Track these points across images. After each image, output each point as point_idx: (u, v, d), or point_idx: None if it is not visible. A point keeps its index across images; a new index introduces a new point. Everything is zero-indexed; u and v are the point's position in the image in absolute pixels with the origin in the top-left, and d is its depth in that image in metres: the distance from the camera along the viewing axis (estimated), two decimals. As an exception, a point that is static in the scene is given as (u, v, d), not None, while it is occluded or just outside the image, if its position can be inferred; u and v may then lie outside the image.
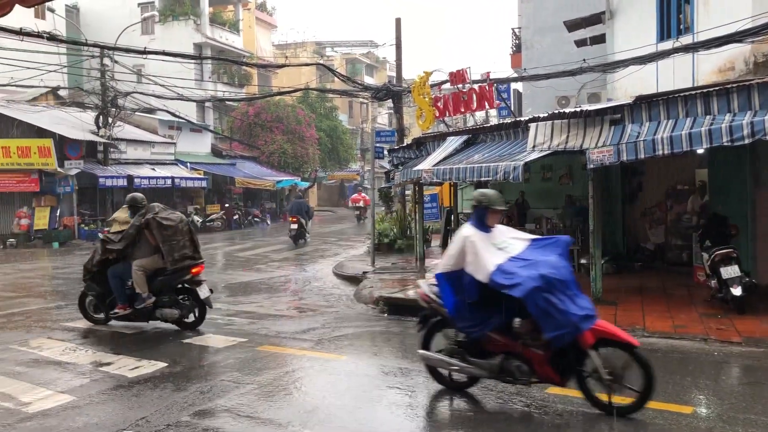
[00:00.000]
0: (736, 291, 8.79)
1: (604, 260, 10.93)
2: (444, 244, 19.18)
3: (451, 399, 5.92)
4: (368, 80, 49.25)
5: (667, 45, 13.17)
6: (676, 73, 13.24)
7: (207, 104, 36.15)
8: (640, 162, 10.01)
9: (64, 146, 24.93)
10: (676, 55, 12.52)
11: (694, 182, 12.86)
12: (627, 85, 14.93)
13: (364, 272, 14.08)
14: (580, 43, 19.36)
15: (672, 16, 13.97)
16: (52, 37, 16.44)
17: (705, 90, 8.34)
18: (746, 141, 7.62)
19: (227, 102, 36.44)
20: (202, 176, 31.14)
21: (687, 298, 10.25)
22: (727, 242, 9.40)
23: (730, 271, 8.89)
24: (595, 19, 17.92)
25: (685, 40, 12.88)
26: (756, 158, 10.68)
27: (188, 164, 31.46)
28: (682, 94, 8.51)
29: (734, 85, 8.17)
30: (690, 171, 12.96)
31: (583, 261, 12.61)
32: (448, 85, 16.15)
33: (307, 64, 32.11)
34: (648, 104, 8.76)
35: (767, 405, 5.52)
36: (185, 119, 31.51)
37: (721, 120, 7.88)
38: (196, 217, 30.26)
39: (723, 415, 5.34)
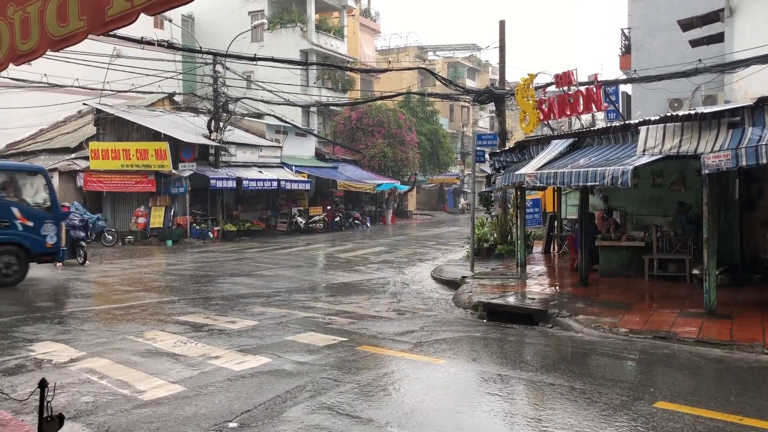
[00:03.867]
0: None
1: (718, 271, 10.33)
2: (546, 251, 18.78)
3: (553, 409, 5.77)
4: (470, 83, 49.03)
5: (794, 43, 12.33)
6: (803, 73, 12.37)
7: (312, 109, 37.13)
8: (760, 168, 9.41)
9: (179, 149, 26.28)
10: (803, 53, 11.70)
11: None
12: (747, 87, 14.08)
13: (463, 277, 13.99)
14: (695, 43, 18.43)
15: (800, 12, 13.06)
16: (169, 45, 17.44)
17: (837, 90, 7.74)
18: None
19: (331, 107, 37.28)
20: (306, 179, 32.00)
21: (813, 314, 9.52)
22: None
23: None
24: (713, 17, 17.00)
25: (815, 37, 12.01)
26: None
27: (293, 167, 32.43)
28: (810, 95, 7.93)
29: None
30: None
31: (695, 272, 12.00)
32: (553, 88, 15.82)
33: (409, 68, 32.30)
34: (771, 106, 8.23)
35: None
36: (291, 124, 32.52)
37: None
38: (299, 218, 31.14)
39: None
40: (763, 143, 7.97)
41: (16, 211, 13.85)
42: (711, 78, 16.23)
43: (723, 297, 10.03)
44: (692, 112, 9.00)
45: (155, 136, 26.14)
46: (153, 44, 15.84)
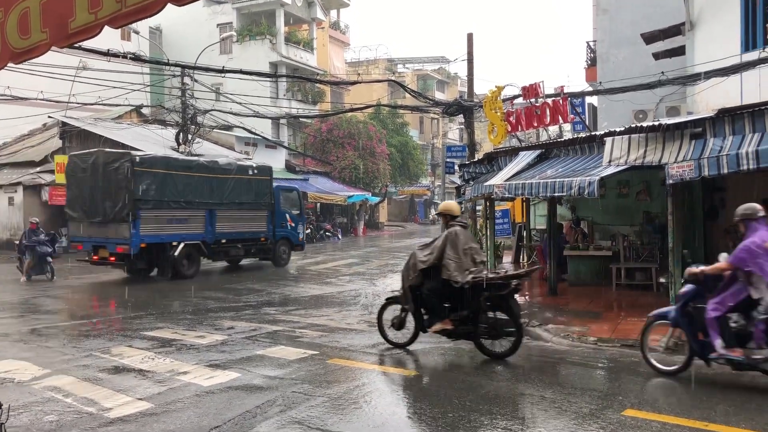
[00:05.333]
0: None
1: (684, 279, 10.50)
2: (516, 260, 18.92)
3: (524, 419, 5.80)
4: (439, 96, 49.37)
5: (753, 55, 12.65)
6: (762, 85, 12.68)
7: (282, 121, 37.03)
8: (722, 177, 9.62)
9: (147, 162, 25.89)
10: (762, 65, 12.00)
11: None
12: (708, 99, 14.39)
13: (434, 288, 13.98)
14: (658, 56, 18.81)
15: (758, 25, 13.41)
16: (136, 58, 17.23)
17: (794, 102, 7.95)
18: (841, 155, 7.22)
19: (301, 119, 37.24)
20: (276, 191, 31.81)
21: (775, 320, 9.72)
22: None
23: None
24: (675, 30, 17.38)
25: (772, 50, 12.35)
26: None
27: (263, 179, 32.19)
28: (769, 107, 8.14)
29: (826, 96, 7.77)
30: (777, 187, 12.34)
31: (662, 280, 12.19)
32: (520, 100, 16.03)
33: (378, 81, 32.46)
34: (731, 117, 8.43)
35: None
36: (261, 136, 32.34)
37: (812, 133, 7.48)
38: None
39: (816, 445, 5.03)
40: (724, 153, 8.16)
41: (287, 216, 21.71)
42: (674, 90, 16.56)
43: (688, 305, 10.18)
44: (656, 123, 9.16)
45: (123, 148, 25.70)
46: (119, 56, 15.66)
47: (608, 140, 9.69)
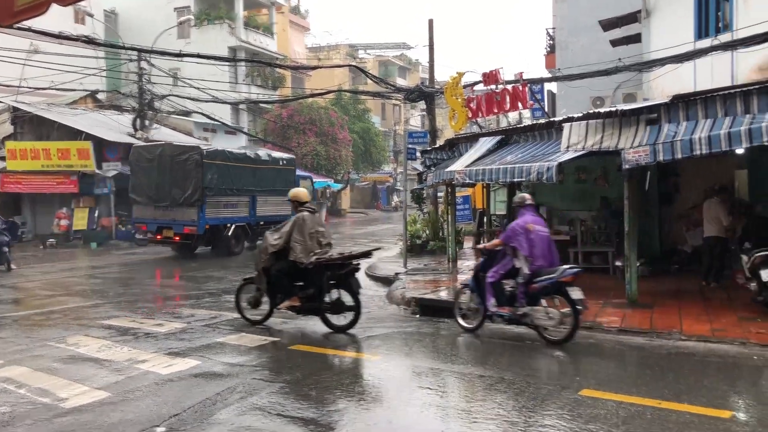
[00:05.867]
0: (777, 294, 8.57)
1: (639, 263, 10.73)
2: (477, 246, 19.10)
3: (483, 401, 5.87)
4: (401, 82, 49.32)
5: (706, 43, 12.93)
6: (714, 72, 12.98)
7: (241, 107, 36.52)
8: (677, 163, 9.83)
9: (103, 149, 25.43)
10: (714, 53, 12.27)
11: (733, 183, 12.58)
12: (664, 85, 14.69)
13: (396, 273, 14.07)
14: (615, 43, 19.10)
15: (710, 14, 13.71)
16: (90, 41, 16.81)
17: (745, 89, 8.15)
18: (788, 140, 7.44)
19: (261, 104, 36.80)
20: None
21: (726, 301, 10.03)
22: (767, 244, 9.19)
23: (770, 274, 8.67)
24: (631, 18, 17.66)
25: (724, 37, 12.63)
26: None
27: (223, 166, 31.87)
28: (720, 93, 8.33)
29: (775, 83, 7.98)
30: (729, 172, 12.68)
31: (618, 263, 12.44)
32: (481, 86, 16.07)
33: (339, 66, 32.31)
34: (685, 103, 8.59)
35: (810, 411, 5.36)
36: (220, 122, 31.89)
37: (761, 119, 7.68)
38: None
39: (763, 419, 5.20)
40: (678, 139, 8.33)
41: None
42: (630, 76, 16.85)
43: (644, 287, 10.42)
44: (613, 109, 9.30)
45: (77, 135, 25.20)
46: (72, 39, 15.23)
47: (566, 126, 9.80)
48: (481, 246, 8.82)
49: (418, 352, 7.94)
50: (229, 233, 20.03)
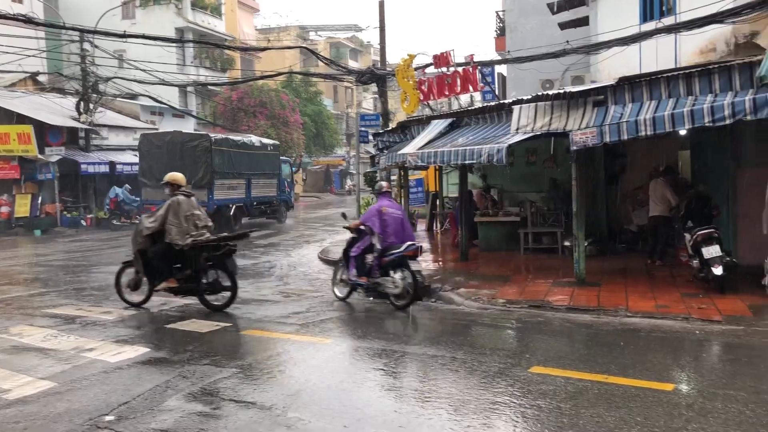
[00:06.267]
0: (717, 270, 8.88)
1: (587, 242, 10.98)
2: (430, 228, 19.23)
3: (435, 380, 5.93)
4: (353, 64, 48.99)
5: (650, 26, 13.19)
6: (659, 55, 13.27)
7: (189, 89, 35.77)
8: (623, 144, 10.04)
9: (45, 133, 24.63)
10: (658, 36, 12.54)
11: (677, 164, 12.94)
12: (610, 67, 14.95)
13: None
14: (563, 26, 19.33)
15: (655, -2, 13.97)
16: (28, 20, 16.18)
17: (687, 71, 8.36)
18: (727, 121, 7.68)
19: (210, 87, 36.10)
20: (185, 162, 31.05)
21: (670, 278, 10.34)
22: (709, 222, 9.49)
23: (711, 251, 8.97)
24: (579, 1, 17.90)
25: (668, 21, 12.91)
26: (736, 139, 10.75)
27: (171, 150, 31.27)
28: (664, 75, 8.53)
29: (716, 66, 8.20)
30: (673, 152, 13.03)
31: (567, 243, 12.69)
32: (432, 69, 16.09)
33: (290, 47, 31.85)
34: (631, 85, 8.77)
35: (746, 381, 5.57)
36: (167, 105, 31.15)
37: (703, 101, 7.91)
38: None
39: (703, 391, 5.39)
40: (624, 120, 8.51)
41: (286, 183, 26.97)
42: (578, 59, 17.09)
43: (592, 266, 10.68)
44: (561, 91, 9.43)
45: (18, 118, 24.31)
46: (9, 18, 14.63)
47: (516, 109, 9.91)
48: (346, 225, 9.93)
49: (371, 335, 7.94)
50: (231, 212, 22.29)
